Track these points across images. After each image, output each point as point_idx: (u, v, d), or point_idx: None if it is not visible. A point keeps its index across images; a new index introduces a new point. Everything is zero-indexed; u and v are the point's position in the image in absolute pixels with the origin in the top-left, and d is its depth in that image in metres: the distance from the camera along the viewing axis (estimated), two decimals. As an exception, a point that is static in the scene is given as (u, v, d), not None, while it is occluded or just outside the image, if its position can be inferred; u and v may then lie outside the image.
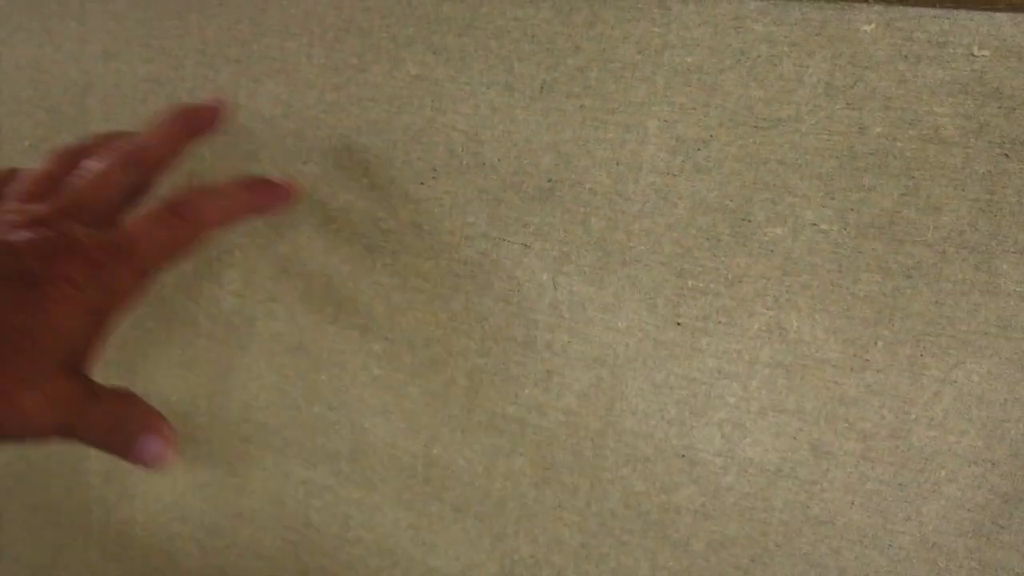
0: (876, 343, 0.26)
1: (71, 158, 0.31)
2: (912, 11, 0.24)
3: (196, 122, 0.32)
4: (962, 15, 0.24)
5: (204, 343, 0.39)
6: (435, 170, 0.32)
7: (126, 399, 0.28)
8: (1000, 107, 0.24)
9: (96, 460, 0.44)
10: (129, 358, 0.41)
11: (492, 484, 0.34)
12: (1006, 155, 0.24)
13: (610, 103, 0.28)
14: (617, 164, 0.29)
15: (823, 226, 0.26)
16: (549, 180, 0.30)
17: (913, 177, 0.25)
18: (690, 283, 0.29)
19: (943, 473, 0.27)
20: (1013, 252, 0.25)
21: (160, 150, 0.31)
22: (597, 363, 0.31)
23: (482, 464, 0.34)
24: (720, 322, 0.28)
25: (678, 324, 0.29)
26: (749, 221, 0.27)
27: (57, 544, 0.47)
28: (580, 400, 0.31)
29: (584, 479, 0.32)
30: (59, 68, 0.40)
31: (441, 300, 0.33)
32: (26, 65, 0.41)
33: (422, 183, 0.32)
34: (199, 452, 0.41)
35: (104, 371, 0.41)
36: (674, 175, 0.28)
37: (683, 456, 0.30)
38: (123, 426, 0.27)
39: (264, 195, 0.32)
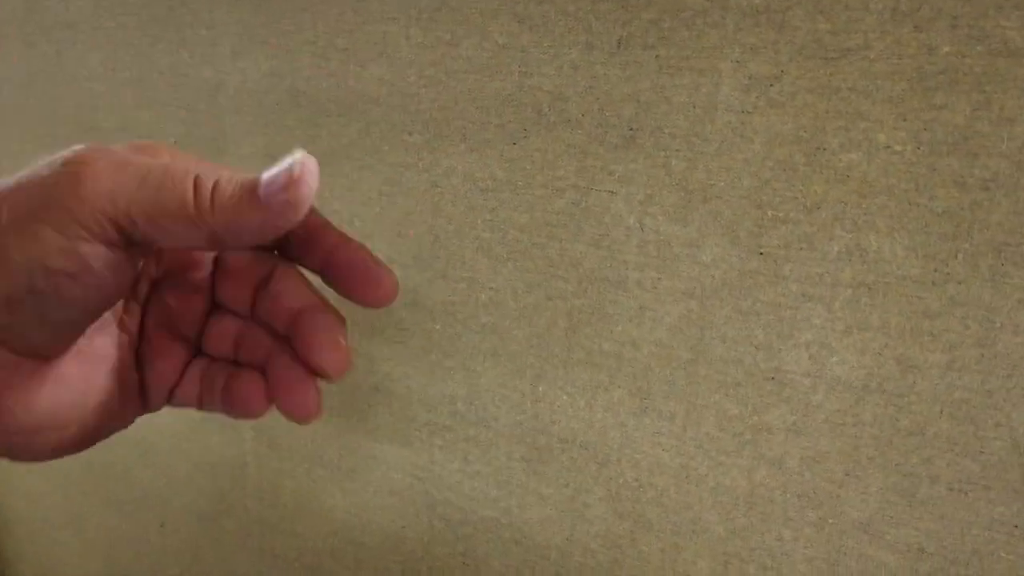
0: (956, 256, 0.27)
1: None
2: (975, -71, 0.25)
3: None
4: (1026, -73, 0.24)
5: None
6: (526, 130, 0.35)
7: None
8: (1071, 13, 0.24)
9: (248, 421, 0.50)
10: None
11: (594, 415, 0.37)
12: (1080, 60, 0.24)
13: (684, 50, 0.30)
14: (694, 107, 0.31)
15: (897, 147, 0.27)
16: (631, 129, 0.32)
17: (984, 91, 0.26)
18: (770, 213, 0.30)
19: (1032, 379, 0.27)
20: (1092, 156, 0.25)
21: None
22: (686, 296, 0.33)
23: (584, 398, 0.37)
24: (801, 248, 0.30)
25: (760, 253, 0.31)
26: (824, 149, 0.29)
27: (219, 493, 0.54)
28: (671, 332, 0.34)
29: (680, 406, 0.34)
30: (194, 70, 0.45)
31: (538, 249, 0.36)
32: (166, 70, 0.46)
33: (514, 143, 0.35)
34: (333, 403, 0.46)
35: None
36: (748, 112, 0.30)
37: (773, 378, 0.32)
38: None
39: None
